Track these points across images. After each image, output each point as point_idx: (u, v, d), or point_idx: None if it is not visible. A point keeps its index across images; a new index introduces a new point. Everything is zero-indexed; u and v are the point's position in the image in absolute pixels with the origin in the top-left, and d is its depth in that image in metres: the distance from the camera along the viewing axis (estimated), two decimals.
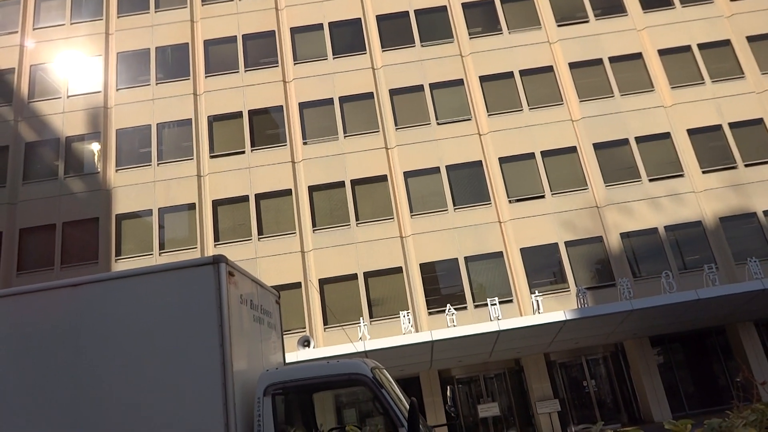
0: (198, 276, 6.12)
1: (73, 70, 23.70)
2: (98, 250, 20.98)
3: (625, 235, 20.62)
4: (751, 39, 22.97)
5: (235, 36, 24.09)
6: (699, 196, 20.93)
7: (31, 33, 24.41)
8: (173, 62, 23.86)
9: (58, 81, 23.56)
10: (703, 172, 21.20)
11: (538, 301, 18.14)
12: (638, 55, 23.14)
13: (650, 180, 21.24)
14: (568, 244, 20.56)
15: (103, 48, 24.03)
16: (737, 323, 20.72)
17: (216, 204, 21.63)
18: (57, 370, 6.00)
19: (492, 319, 17.56)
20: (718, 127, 21.86)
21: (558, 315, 16.98)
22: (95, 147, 22.65)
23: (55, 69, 23.77)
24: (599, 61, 23.07)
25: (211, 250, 20.70)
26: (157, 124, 22.78)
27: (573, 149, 21.94)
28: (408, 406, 5.83)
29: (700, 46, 23.01)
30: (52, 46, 24.12)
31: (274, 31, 24.18)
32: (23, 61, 23.86)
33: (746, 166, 21.22)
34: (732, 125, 21.76)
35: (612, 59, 23.06)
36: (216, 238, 21.11)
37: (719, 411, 3.15)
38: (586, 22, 23.75)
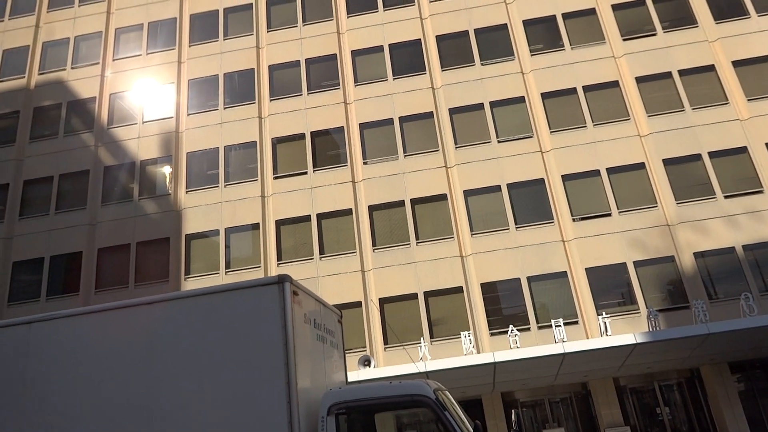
0: (264, 295, 6.27)
1: (147, 98, 25.06)
2: (169, 268, 21.87)
3: (699, 255, 19.62)
4: None
5: (298, 60, 24.82)
6: None
7: (111, 64, 26.02)
8: (240, 87, 24.81)
9: (134, 108, 24.96)
10: None
11: (605, 323, 17.47)
12: (711, 68, 22.19)
13: (726, 197, 20.19)
14: (637, 264, 19.76)
15: (175, 76, 25.30)
16: None
17: (279, 224, 22.15)
18: (131, 385, 6.26)
19: (556, 341, 17.04)
20: None
21: (627, 338, 16.29)
22: (167, 170, 23.76)
23: (132, 97, 25.20)
24: (668, 75, 22.27)
25: (274, 269, 21.17)
26: (225, 147, 23.67)
27: (641, 165, 21.18)
28: (472, 429, 5.73)
29: None
30: (129, 76, 25.61)
31: (335, 54, 24.76)
32: (103, 90, 25.44)
33: None
34: None
35: (682, 72, 22.22)
36: (279, 258, 21.57)
37: None
38: (654, 35, 23.03)
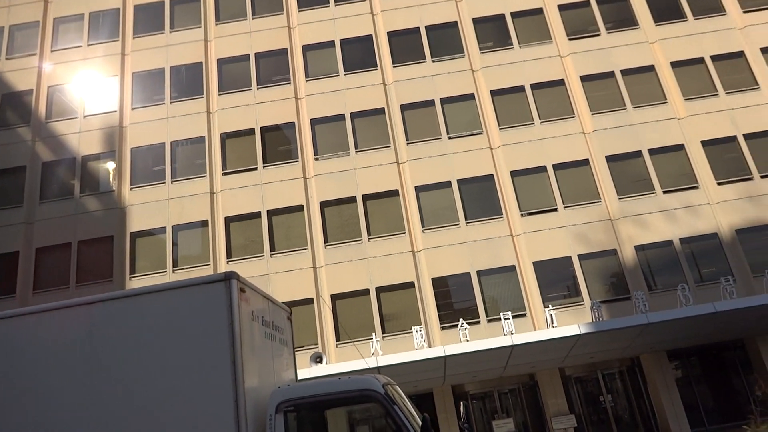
0: (210, 293, 6.16)
1: (89, 91, 24.13)
2: (113, 268, 21.18)
3: (639, 248, 20.43)
4: (765, 50, 22.83)
5: (248, 54, 24.42)
6: (714, 208, 20.71)
7: (49, 55, 24.92)
8: (187, 81, 24.21)
9: (75, 101, 24.00)
10: (719, 184, 20.99)
11: (551, 315, 17.97)
12: (650, 68, 23.08)
13: (664, 192, 21.07)
14: (581, 257, 20.40)
15: (118, 68, 24.45)
16: (756, 336, 20.34)
17: (228, 221, 21.77)
18: (72, 387, 6.05)
19: (505, 333, 17.42)
20: (733, 139, 21.67)
21: (572, 329, 16.81)
22: (110, 166, 22.97)
23: (72, 90, 24.21)
24: (611, 74, 23.04)
25: (223, 267, 20.81)
26: (171, 142, 23.07)
27: (585, 162, 21.85)
28: (421, 422, 5.80)
29: (713, 58, 22.91)
30: (69, 68, 24.59)
31: (286, 49, 24.48)
32: (41, 83, 24.33)
33: (762, 177, 20.98)
34: (747, 136, 21.57)
35: (624, 72, 23.03)
36: (228, 255, 21.22)
37: (739, 426, 3.09)
38: (598, 35, 23.77)
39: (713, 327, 18.18)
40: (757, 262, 19.64)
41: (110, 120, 23.54)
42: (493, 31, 24.29)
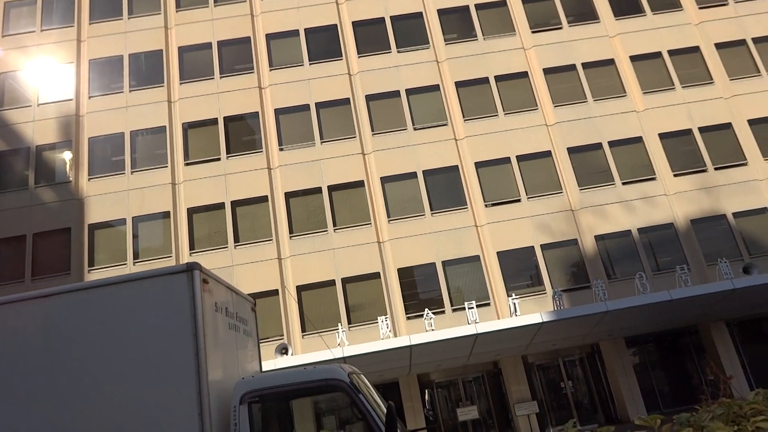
0: (172, 284, 6.06)
1: (44, 78, 23.29)
2: (71, 260, 20.59)
3: (599, 238, 20.92)
4: (719, 46, 23.55)
5: (210, 42, 23.94)
6: (671, 199, 21.34)
7: (0, 40, 23.93)
8: (147, 69, 23.60)
9: (29, 89, 23.13)
10: (675, 176, 21.63)
11: (515, 303, 18.28)
12: (611, 61, 23.56)
13: (623, 183, 21.60)
14: (544, 247, 20.78)
15: (74, 55, 23.66)
16: (709, 323, 21.13)
17: (191, 212, 21.40)
18: (29, 382, 5.88)
19: (469, 322, 17.64)
20: (689, 132, 22.34)
21: (534, 317, 17.13)
22: (67, 156, 22.27)
23: (26, 77, 23.33)
24: (572, 67, 23.43)
25: (186, 259, 20.45)
26: (131, 132, 22.49)
27: (548, 153, 22.21)
28: (386, 411, 5.83)
29: (671, 53, 23.52)
30: (22, 54, 23.68)
31: (249, 37, 24.08)
32: None
33: (716, 169, 21.70)
34: (702, 129, 22.26)
35: (585, 65, 23.45)
36: (191, 247, 20.87)
37: (692, 408, 3.22)
38: (560, 28, 24.12)
39: (669, 314, 18.79)
40: (711, 252, 20.36)
41: (66, 108, 22.79)
42: (457, 23, 24.40)
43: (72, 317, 6.07)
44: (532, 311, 18.48)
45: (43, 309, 6.10)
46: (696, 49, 23.63)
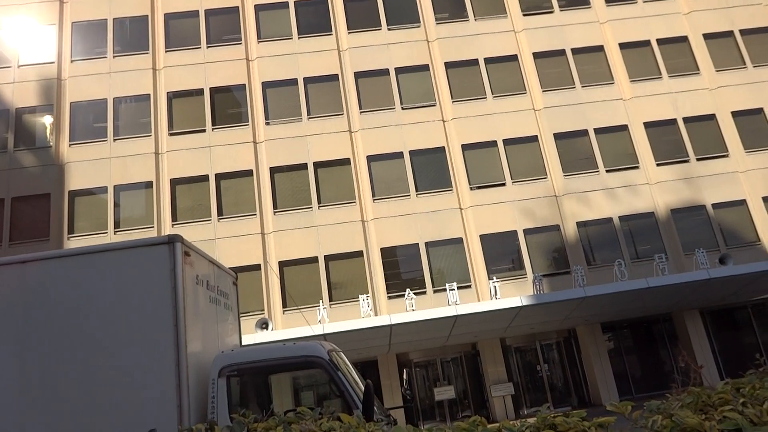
0: (153, 255, 6.03)
1: (24, 39, 22.67)
2: (50, 227, 20.31)
3: (581, 224, 21.13)
4: (707, 36, 23.64)
5: (198, 10, 23.45)
6: (652, 188, 21.57)
7: None
8: (132, 35, 23.09)
9: (9, 50, 22.52)
10: (657, 165, 21.84)
11: (495, 287, 18.45)
12: (600, 48, 23.56)
13: (607, 171, 21.77)
14: (526, 231, 20.95)
15: (57, 17, 23.04)
16: (684, 311, 21.56)
17: (174, 183, 21.17)
18: (3, 349, 5.83)
19: (450, 304, 17.79)
20: (673, 122, 22.51)
21: (514, 301, 17.33)
22: (48, 120, 21.82)
23: (5, 37, 22.69)
24: (562, 52, 23.39)
25: (168, 230, 20.29)
26: (114, 99, 22.08)
27: (534, 138, 22.26)
28: (364, 389, 5.89)
29: (659, 42, 23.57)
30: (2, 13, 22.99)
31: (237, 7, 23.63)
32: None
33: (698, 160, 21.95)
34: (686, 120, 22.44)
35: (575, 50, 23.41)
36: (174, 218, 20.69)
37: (664, 395, 3.30)
38: (551, 12, 24.01)
39: (645, 301, 19.12)
40: (689, 241, 20.68)
41: (48, 71, 22.27)
42: (449, 2, 24.16)
43: (51, 284, 6.02)
44: (512, 295, 18.67)
45: (22, 275, 6.03)
46: (684, 39, 23.70)
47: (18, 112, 21.75)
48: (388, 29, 23.47)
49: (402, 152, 21.78)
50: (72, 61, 22.55)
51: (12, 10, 23.04)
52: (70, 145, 21.45)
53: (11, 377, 5.74)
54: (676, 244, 20.83)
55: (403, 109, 22.39)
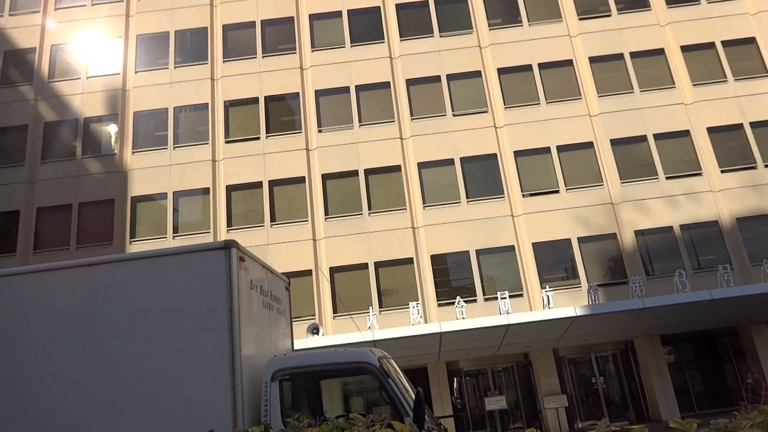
0: (209, 260, 6.17)
1: (93, 52, 23.87)
2: (113, 231, 21.23)
3: (639, 233, 20.43)
4: None
5: (254, 21, 24.09)
6: (716, 196, 20.66)
7: (52, 13, 24.59)
8: (192, 46, 23.93)
9: (78, 62, 23.75)
10: (722, 172, 20.90)
11: (548, 296, 18.06)
12: (660, 51, 22.79)
13: (667, 178, 20.99)
14: (581, 240, 20.42)
15: (123, 30, 24.15)
16: (750, 325, 20.49)
17: (230, 189, 21.75)
18: (69, 347, 6.10)
19: (501, 312, 17.52)
20: (739, 126, 21.51)
21: (568, 311, 16.91)
22: (113, 129, 22.85)
23: (76, 50, 23.94)
24: (620, 56, 22.75)
25: (223, 235, 20.85)
26: (174, 108, 22.91)
27: (590, 145, 21.72)
28: (414, 397, 5.85)
29: (724, 44, 22.60)
30: (73, 27, 24.29)
31: (292, 17, 24.13)
32: (44, 41, 24.06)
33: (766, 166, 20.88)
34: (753, 125, 21.40)
35: (633, 54, 22.74)
36: (229, 224, 21.24)
37: (728, 412, 3.13)
38: (609, 16, 23.41)
39: (708, 314, 18.30)
40: (756, 251, 19.67)
41: (113, 82, 23.34)
42: (502, 8, 23.93)
43: (115, 287, 6.26)
44: (565, 304, 18.24)
45: (89, 277, 6.31)
46: (752, 41, 22.64)
47: (86, 121, 22.88)
48: (440, 36, 23.44)
49: (453, 159, 21.66)
50: (136, 72, 23.55)
51: (82, 24, 24.30)
52: (133, 152, 22.37)
53: (75, 377, 5.99)
54: (742, 255, 19.85)
55: (454, 115, 22.28)
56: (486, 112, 22.36)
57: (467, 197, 21.12)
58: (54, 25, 24.33)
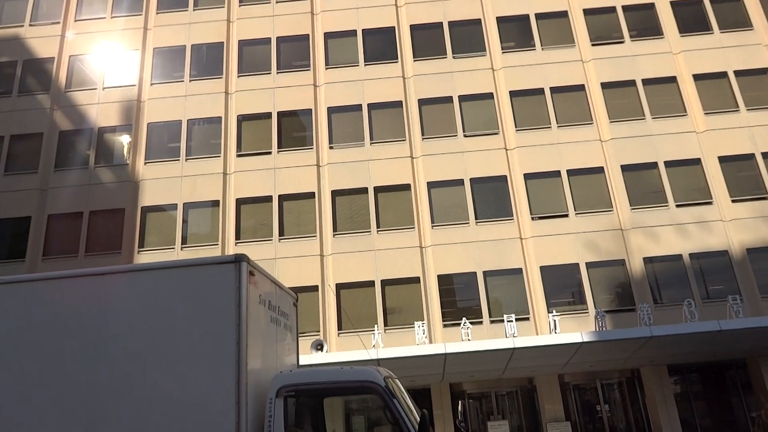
0: (219, 273, 6.20)
1: (110, 63, 24.22)
2: (122, 240, 21.34)
3: (648, 260, 20.30)
4: None
5: (270, 38, 24.40)
6: (727, 225, 20.53)
7: (72, 24, 25.03)
8: (207, 60, 24.24)
9: (95, 72, 24.10)
10: (733, 201, 20.80)
11: (555, 320, 17.92)
12: (672, 79, 22.84)
13: (677, 206, 20.91)
14: (589, 265, 20.31)
15: (140, 43, 24.52)
16: (759, 358, 20.20)
17: (240, 202, 21.85)
18: (76, 356, 6.11)
19: (507, 335, 17.39)
20: (751, 156, 21.45)
21: (575, 336, 16.74)
22: (126, 139, 23.09)
23: (93, 61, 24.31)
24: (632, 83, 22.83)
25: (232, 248, 20.91)
26: (188, 120, 23.15)
27: (600, 170, 21.70)
28: (419, 418, 5.81)
29: (737, 73, 22.64)
30: (91, 38, 24.69)
31: (308, 35, 24.43)
32: (63, 51, 24.46)
33: None
34: (765, 155, 21.33)
35: (645, 81, 22.81)
36: (237, 237, 21.31)
37: None
38: (621, 42, 23.54)
39: (717, 345, 18.07)
40: (766, 283, 19.47)
41: (129, 93, 23.64)
42: (516, 31, 24.12)
43: (124, 296, 6.30)
44: (572, 330, 18.08)
45: (99, 286, 6.35)
46: (765, 71, 22.66)
47: (100, 131, 23.14)
48: (453, 57, 23.63)
49: (463, 179, 21.69)
50: (151, 84, 23.86)
51: (101, 36, 24.70)
52: (145, 163, 22.57)
53: (82, 387, 6.00)
54: (752, 286, 19.66)
55: (465, 136, 22.37)
56: (497, 134, 22.44)
57: (476, 218, 21.10)
58: (73, 36, 24.75)
